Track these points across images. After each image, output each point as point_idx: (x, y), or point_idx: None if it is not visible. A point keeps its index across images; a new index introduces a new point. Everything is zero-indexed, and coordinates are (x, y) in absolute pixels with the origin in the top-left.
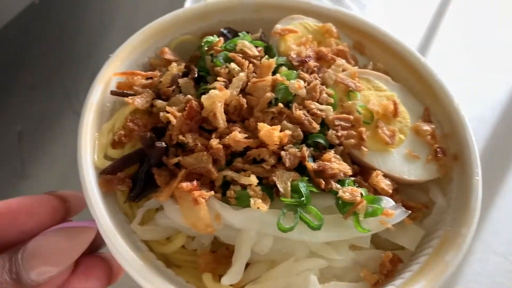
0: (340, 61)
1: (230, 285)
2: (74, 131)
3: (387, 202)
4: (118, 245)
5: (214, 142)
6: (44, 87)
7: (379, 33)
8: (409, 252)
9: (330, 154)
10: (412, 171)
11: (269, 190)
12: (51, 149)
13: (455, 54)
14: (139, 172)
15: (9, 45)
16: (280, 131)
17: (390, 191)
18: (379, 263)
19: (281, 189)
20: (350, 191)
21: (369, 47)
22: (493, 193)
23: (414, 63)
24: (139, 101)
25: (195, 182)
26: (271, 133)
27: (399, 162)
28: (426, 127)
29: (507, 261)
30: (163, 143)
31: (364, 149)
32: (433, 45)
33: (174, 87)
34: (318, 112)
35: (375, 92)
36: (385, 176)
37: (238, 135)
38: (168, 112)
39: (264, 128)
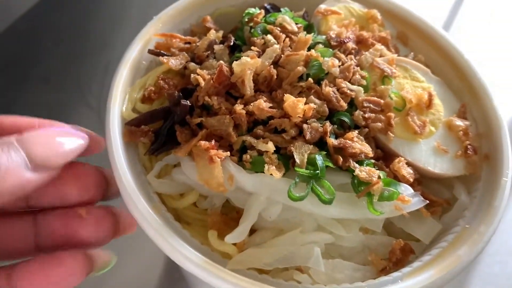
0: (380, 46)
1: (234, 244)
2: (87, 124)
3: (406, 189)
4: (131, 191)
5: (238, 107)
6: (57, 80)
7: (425, 26)
8: (423, 245)
9: (354, 133)
10: (438, 164)
11: (286, 161)
12: None
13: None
14: (162, 127)
15: (22, 38)
16: (306, 104)
17: (411, 179)
18: (389, 250)
19: (297, 160)
20: (367, 171)
21: (413, 39)
22: None
23: (457, 59)
24: (173, 62)
25: (213, 142)
26: (296, 104)
27: (426, 153)
28: (460, 123)
29: None
30: (188, 102)
31: (391, 134)
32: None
33: (209, 52)
34: (348, 91)
35: (412, 82)
36: (408, 164)
37: (262, 103)
38: (198, 75)
39: (289, 99)
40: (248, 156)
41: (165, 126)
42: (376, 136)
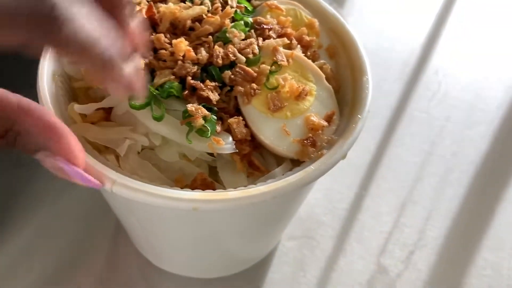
0: (294, 43)
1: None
2: None
3: (226, 137)
4: None
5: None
6: None
7: (355, 50)
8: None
9: (212, 83)
10: (274, 140)
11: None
12: None
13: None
14: None
15: None
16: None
17: (239, 136)
18: (192, 179)
19: (154, 80)
20: (196, 107)
21: (341, 55)
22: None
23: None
24: None
25: None
26: (179, 42)
27: (269, 127)
28: (315, 120)
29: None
30: None
31: (246, 99)
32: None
33: None
34: (231, 55)
35: (300, 77)
36: (247, 126)
37: (162, 37)
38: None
39: (179, 41)
40: None
41: None
42: (237, 97)
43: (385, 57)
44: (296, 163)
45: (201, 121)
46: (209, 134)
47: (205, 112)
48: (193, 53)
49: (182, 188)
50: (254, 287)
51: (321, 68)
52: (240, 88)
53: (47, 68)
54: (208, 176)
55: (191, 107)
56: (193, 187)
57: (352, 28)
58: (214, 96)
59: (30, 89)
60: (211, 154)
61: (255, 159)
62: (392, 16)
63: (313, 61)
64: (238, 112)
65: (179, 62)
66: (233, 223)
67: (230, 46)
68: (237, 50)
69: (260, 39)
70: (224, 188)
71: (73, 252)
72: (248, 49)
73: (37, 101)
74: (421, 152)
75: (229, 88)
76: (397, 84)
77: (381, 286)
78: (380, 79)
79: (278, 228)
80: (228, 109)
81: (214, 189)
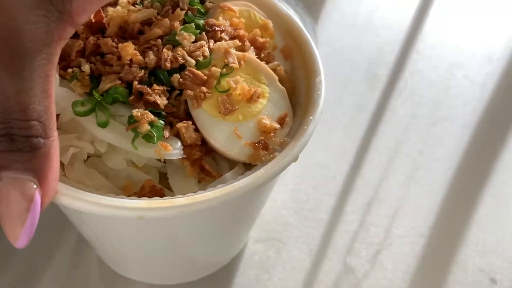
0: (247, 44)
1: None
2: None
3: (174, 142)
4: None
5: (93, 38)
6: None
7: (309, 51)
8: None
9: (159, 88)
10: (225, 143)
11: (96, 84)
12: None
13: None
14: None
15: None
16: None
17: (189, 141)
18: (140, 186)
19: (100, 86)
20: (142, 112)
21: (296, 56)
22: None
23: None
24: None
25: None
26: (125, 46)
27: (220, 131)
28: (267, 122)
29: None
30: None
31: (196, 103)
32: None
33: None
34: (180, 58)
35: (252, 79)
36: (197, 130)
37: (110, 41)
38: None
39: (126, 44)
40: (71, 70)
41: None
42: (187, 101)
43: (351, 57)
44: (248, 166)
45: (147, 127)
46: (156, 140)
47: (152, 117)
48: (140, 57)
49: (129, 196)
50: None
51: (274, 70)
52: (190, 92)
53: None
54: (159, 183)
55: (136, 112)
56: (141, 195)
57: (319, 27)
58: (161, 101)
59: None
60: (162, 160)
61: (206, 164)
62: (359, 14)
63: (267, 63)
64: (188, 116)
65: (126, 66)
66: (185, 230)
67: (180, 49)
68: (187, 53)
69: (212, 41)
70: (174, 194)
71: (32, 265)
72: (198, 52)
73: None
74: (387, 150)
75: (178, 92)
76: (364, 83)
77: (347, 287)
78: (347, 78)
79: (239, 231)
80: (177, 114)
81: (162, 196)
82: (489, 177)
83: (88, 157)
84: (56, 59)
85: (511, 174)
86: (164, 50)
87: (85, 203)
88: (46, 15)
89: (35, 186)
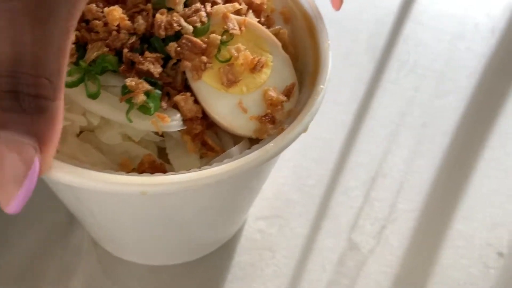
0: (244, 7)
1: None
2: None
3: (173, 113)
4: None
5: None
6: None
7: (315, 15)
8: None
9: (152, 55)
10: (228, 118)
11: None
12: None
13: None
14: None
15: None
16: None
17: (189, 115)
18: (139, 162)
19: (86, 55)
20: (136, 81)
21: (297, 18)
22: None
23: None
24: None
25: None
26: (111, 10)
27: (224, 104)
28: (273, 94)
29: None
30: None
31: (196, 74)
32: None
33: None
34: (175, 24)
35: (253, 47)
36: (197, 103)
37: (94, 7)
38: None
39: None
40: None
41: None
42: (186, 72)
43: (351, 28)
44: (254, 141)
45: (142, 97)
46: (153, 111)
47: (147, 86)
48: (128, 22)
49: (128, 172)
50: (220, 270)
51: (277, 34)
52: (188, 63)
53: None
54: (158, 158)
55: (130, 81)
56: (140, 171)
57: None
58: (155, 69)
59: None
60: (160, 134)
61: (209, 139)
62: None
63: (268, 28)
64: (187, 88)
65: (114, 32)
66: (188, 207)
67: (175, 14)
68: (182, 18)
69: (209, 5)
70: (175, 170)
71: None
72: (195, 17)
73: None
74: (391, 123)
75: (175, 61)
76: (365, 55)
77: (353, 263)
78: (348, 50)
79: (241, 208)
80: (175, 85)
81: (164, 171)
82: (496, 149)
83: (81, 132)
84: (79, 15)
85: None
86: (158, 15)
87: (85, 180)
88: None
89: (35, 151)
